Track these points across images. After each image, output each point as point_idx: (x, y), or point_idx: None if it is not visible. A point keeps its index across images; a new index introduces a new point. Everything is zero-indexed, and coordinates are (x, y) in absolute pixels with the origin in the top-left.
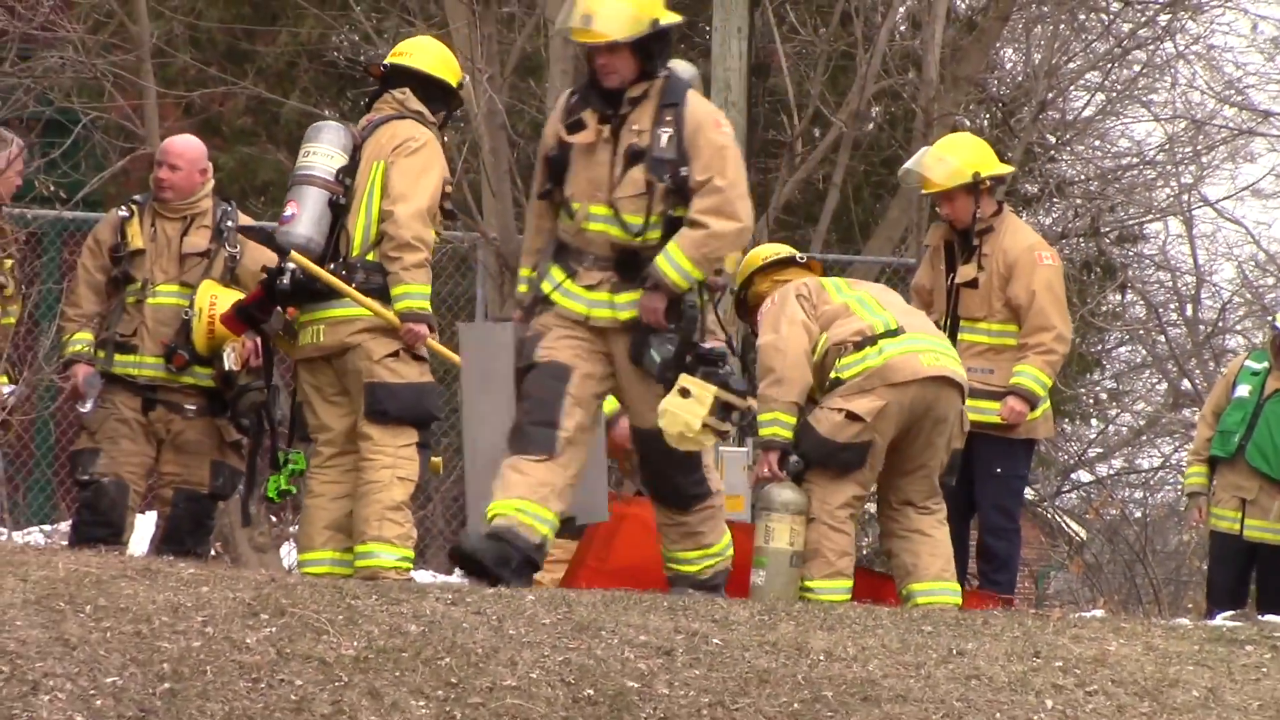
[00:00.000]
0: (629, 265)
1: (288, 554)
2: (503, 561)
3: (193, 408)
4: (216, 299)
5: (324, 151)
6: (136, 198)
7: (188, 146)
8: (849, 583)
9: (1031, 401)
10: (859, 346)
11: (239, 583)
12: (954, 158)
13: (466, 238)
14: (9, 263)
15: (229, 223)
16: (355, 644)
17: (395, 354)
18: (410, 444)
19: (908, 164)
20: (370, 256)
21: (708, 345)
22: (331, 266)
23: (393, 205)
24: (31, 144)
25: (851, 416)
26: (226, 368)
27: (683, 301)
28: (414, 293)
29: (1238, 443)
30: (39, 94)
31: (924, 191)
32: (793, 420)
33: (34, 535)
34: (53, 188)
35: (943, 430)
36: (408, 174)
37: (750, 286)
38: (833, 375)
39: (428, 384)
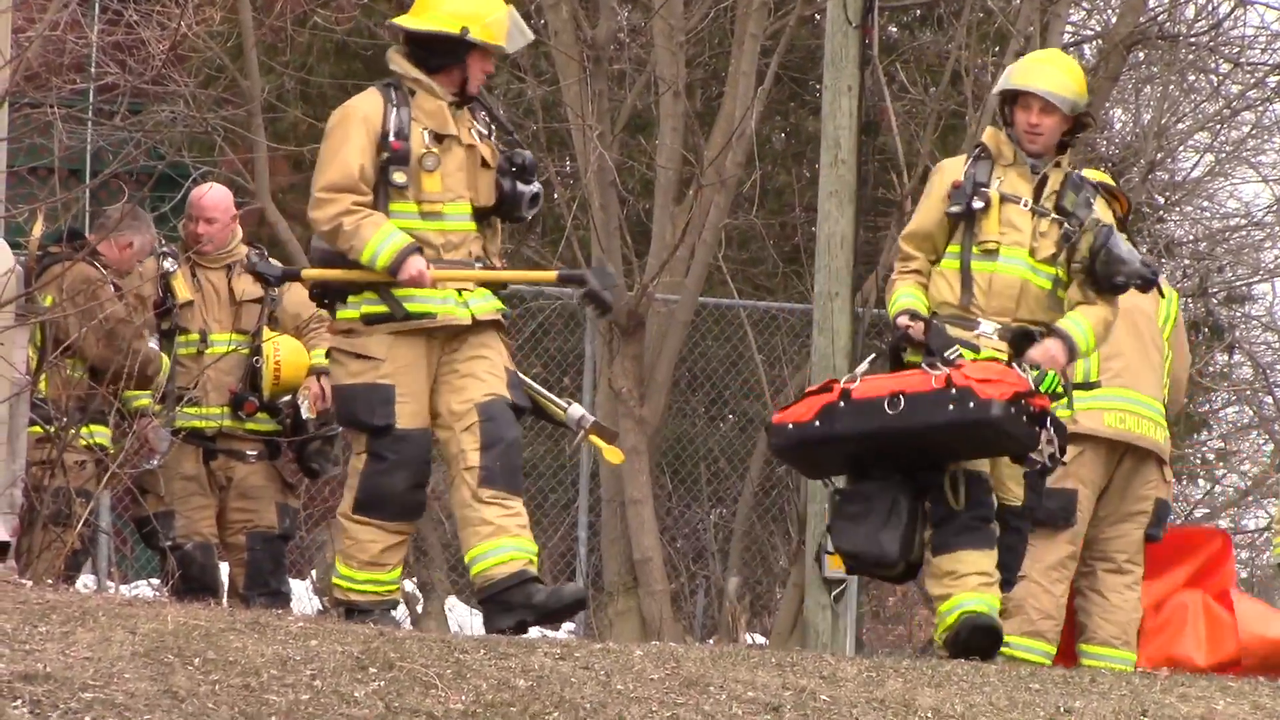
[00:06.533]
0: None
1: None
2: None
3: (253, 453)
4: (279, 347)
5: None
6: (165, 249)
7: (220, 199)
8: (1049, 647)
9: None
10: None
11: (347, 636)
12: None
13: (575, 294)
14: None
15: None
16: (464, 698)
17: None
18: (359, 453)
19: None
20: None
21: None
22: None
23: None
24: (142, 198)
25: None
26: (304, 416)
27: None
28: (369, 251)
29: None
30: (150, 148)
31: None
32: None
33: (142, 588)
34: (163, 242)
35: (1128, 483)
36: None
37: None
38: None
39: (354, 386)
